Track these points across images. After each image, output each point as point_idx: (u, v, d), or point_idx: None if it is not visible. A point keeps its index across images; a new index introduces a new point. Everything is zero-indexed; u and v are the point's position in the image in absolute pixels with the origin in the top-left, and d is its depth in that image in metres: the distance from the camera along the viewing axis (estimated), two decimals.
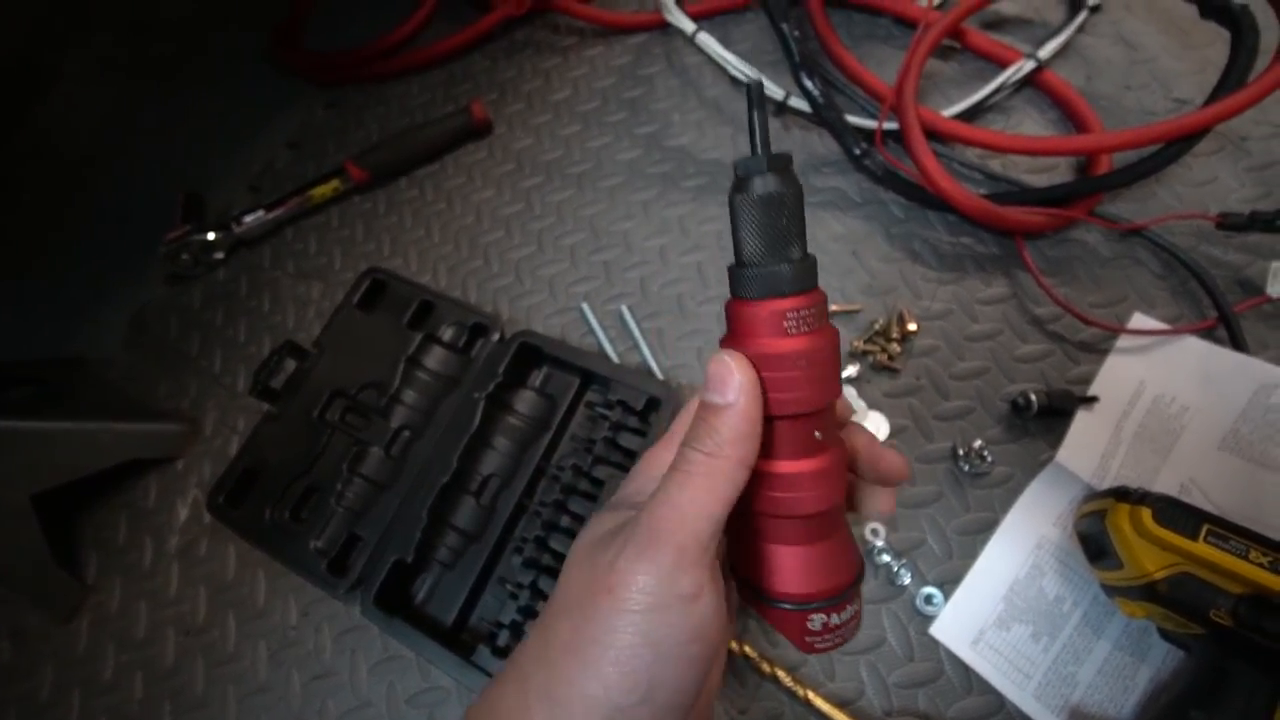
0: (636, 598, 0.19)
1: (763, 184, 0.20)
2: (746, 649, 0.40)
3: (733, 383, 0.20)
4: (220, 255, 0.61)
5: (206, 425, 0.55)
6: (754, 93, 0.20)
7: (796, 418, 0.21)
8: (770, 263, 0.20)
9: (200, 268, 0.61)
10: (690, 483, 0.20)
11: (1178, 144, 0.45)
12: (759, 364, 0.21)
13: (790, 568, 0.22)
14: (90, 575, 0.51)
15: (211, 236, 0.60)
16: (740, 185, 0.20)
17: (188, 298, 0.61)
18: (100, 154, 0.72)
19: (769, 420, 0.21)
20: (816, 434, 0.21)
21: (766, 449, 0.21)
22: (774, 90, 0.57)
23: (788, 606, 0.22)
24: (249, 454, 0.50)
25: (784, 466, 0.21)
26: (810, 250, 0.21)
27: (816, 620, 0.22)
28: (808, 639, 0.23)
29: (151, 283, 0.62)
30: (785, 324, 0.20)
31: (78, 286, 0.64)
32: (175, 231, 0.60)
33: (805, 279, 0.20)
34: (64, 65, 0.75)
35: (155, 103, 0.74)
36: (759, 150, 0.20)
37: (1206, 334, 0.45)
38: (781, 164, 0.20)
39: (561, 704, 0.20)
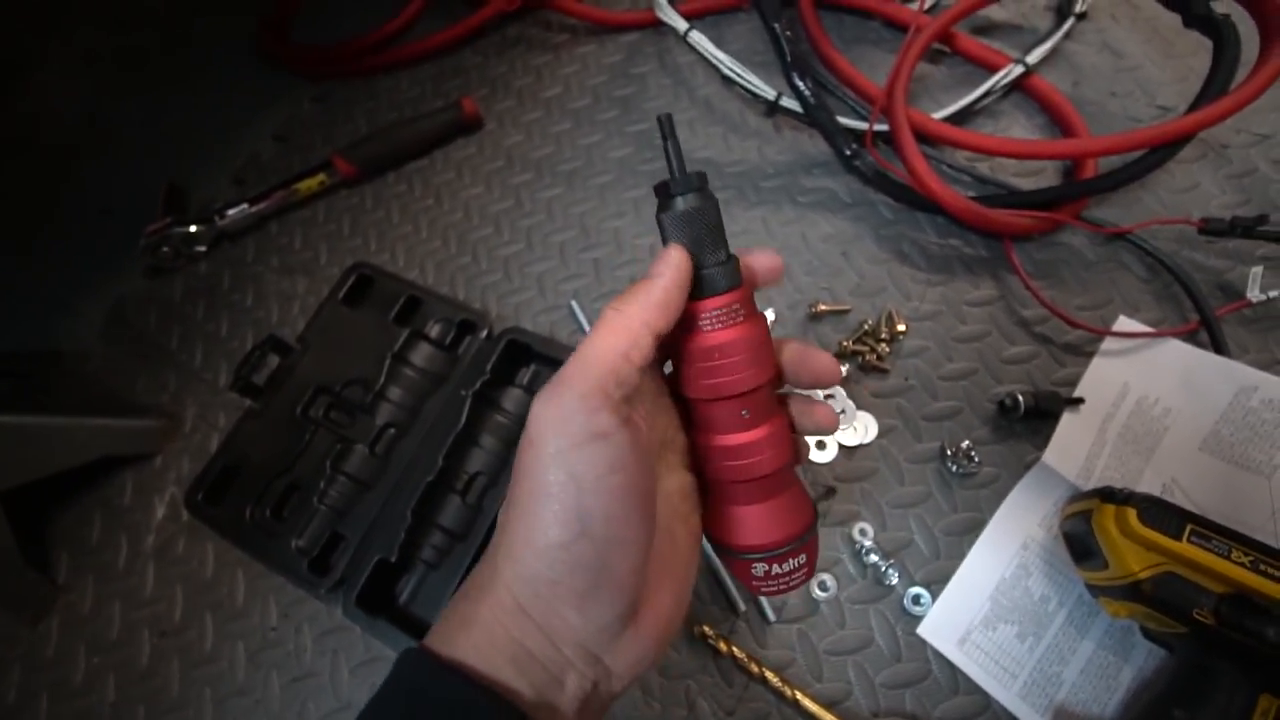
0: (551, 440, 0.22)
1: (682, 202, 0.23)
2: (734, 650, 0.40)
3: (664, 260, 0.23)
4: (202, 248, 0.60)
5: (186, 421, 0.54)
6: (665, 124, 0.24)
7: (726, 399, 0.24)
8: (705, 267, 0.24)
9: (181, 260, 0.60)
10: (596, 336, 0.23)
11: (1161, 150, 0.46)
12: (687, 358, 0.24)
13: (735, 523, 0.26)
14: (61, 575, 0.49)
15: (194, 229, 0.59)
16: (663, 205, 0.24)
17: (168, 291, 0.60)
18: (81, 145, 0.70)
19: (706, 402, 0.25)
20: (744, 412, 0.24)
21: (707, 425, 0.25)
22: (766, 90, 0.57)
23: (733, 555, 0.27)
24: (229, 451, 0.49)
25: (720, 440, 0.25)
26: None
27: (759, 568, 0.26)
28: (754, 583, 0.27)
29: (131, 275, 0.61)
30: (702, 323, 0.24)
31: (55, 278, 0.63)
32: (156, 224, 0.59)
33: (719, 283, 0.24)
34: (45, 54, 0.74)
35: (138, 93, 0.72)
36: (676, 174, 0.24)
37: (1189, 337, 0.45)
38: (696, 183, 0.24)
39: (517, 558, 0.22)
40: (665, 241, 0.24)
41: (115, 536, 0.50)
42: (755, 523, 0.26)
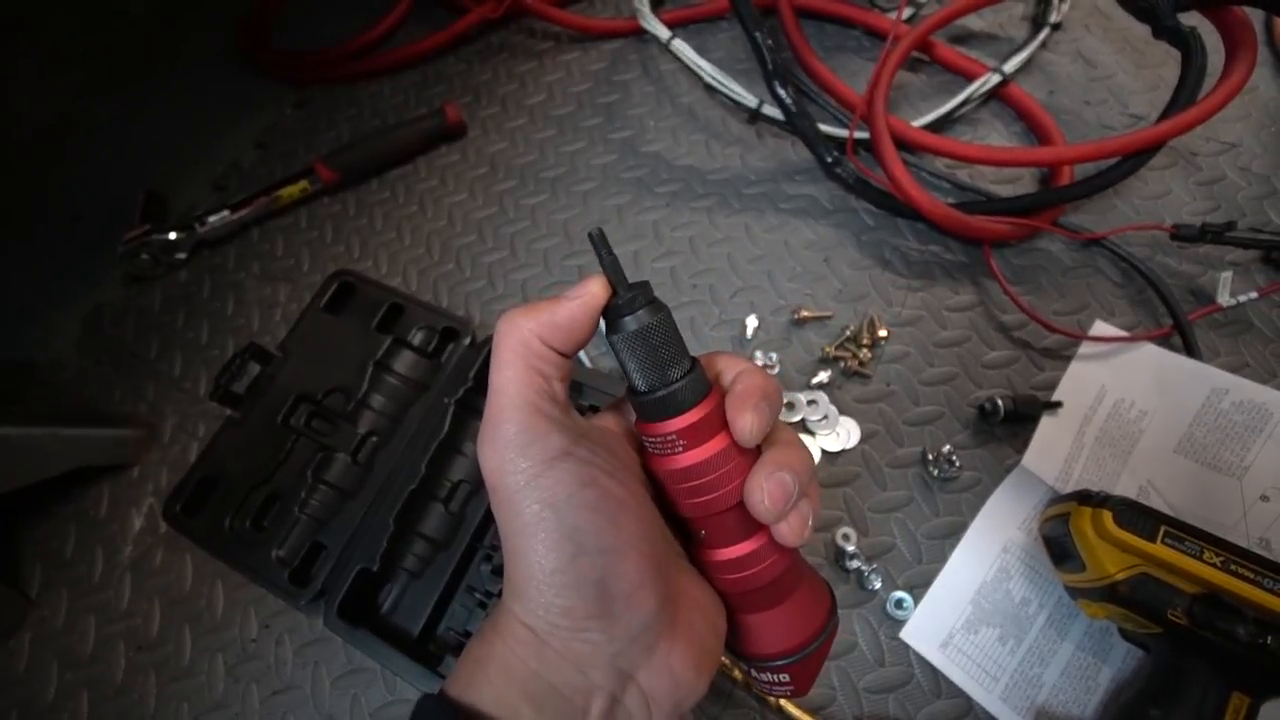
0: (512, 478, 0.21)
1: (633, 321, 0.22)
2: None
3: (577, 289, 0.22)
4: (182, 256, 0.59)
5: (165, 431, 0.53)
6: (595, 239, 0.22)
7: (713, 515, 0.23)
8: (655, 390, 0.22)
9: (161, 269, 0.59)
10: (503, 371, 0.22)
11: (1134, 158, 0.47)
12: (666, 479, 0.23)
13: (748, 632, 0.25)
14: (34, 588, 0.48)
15: (173, 236, 0.58)
16: (612, 327, 0.22)
17: (147, 299, 0.59)
18: (55, 150, 0.69)
19: (694, 520, 0.24)
20: (734, 525, 0.23)
21: (700, 540, 0.24)
22: (747, 98, 0.57)
23: (755, 664, 0.26)
24: (209, 461, 0.48)
25: (716, 555, 0.24)
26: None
27: (778, 675, 0.25)
28: (774, 688, 0.26)
29: (108, 283, 0.60)
30: (671, 446, 0.22)
31: (28, 286, 0.62)
32: (135, 231, 0.58)
33: (686, 399, 0.22)
34: (17, 57, 0.73)
35: (115, 98, 0.71)
36: (619, 291, 0.22)
37: (1163, 341, 0.46)
38: (642, 299, 0.22)
39: (523, 594, 0.21)
40: (621, 365, 0.22)
41: (90, 549, 0.49)
42: (761, 632, 0.25)
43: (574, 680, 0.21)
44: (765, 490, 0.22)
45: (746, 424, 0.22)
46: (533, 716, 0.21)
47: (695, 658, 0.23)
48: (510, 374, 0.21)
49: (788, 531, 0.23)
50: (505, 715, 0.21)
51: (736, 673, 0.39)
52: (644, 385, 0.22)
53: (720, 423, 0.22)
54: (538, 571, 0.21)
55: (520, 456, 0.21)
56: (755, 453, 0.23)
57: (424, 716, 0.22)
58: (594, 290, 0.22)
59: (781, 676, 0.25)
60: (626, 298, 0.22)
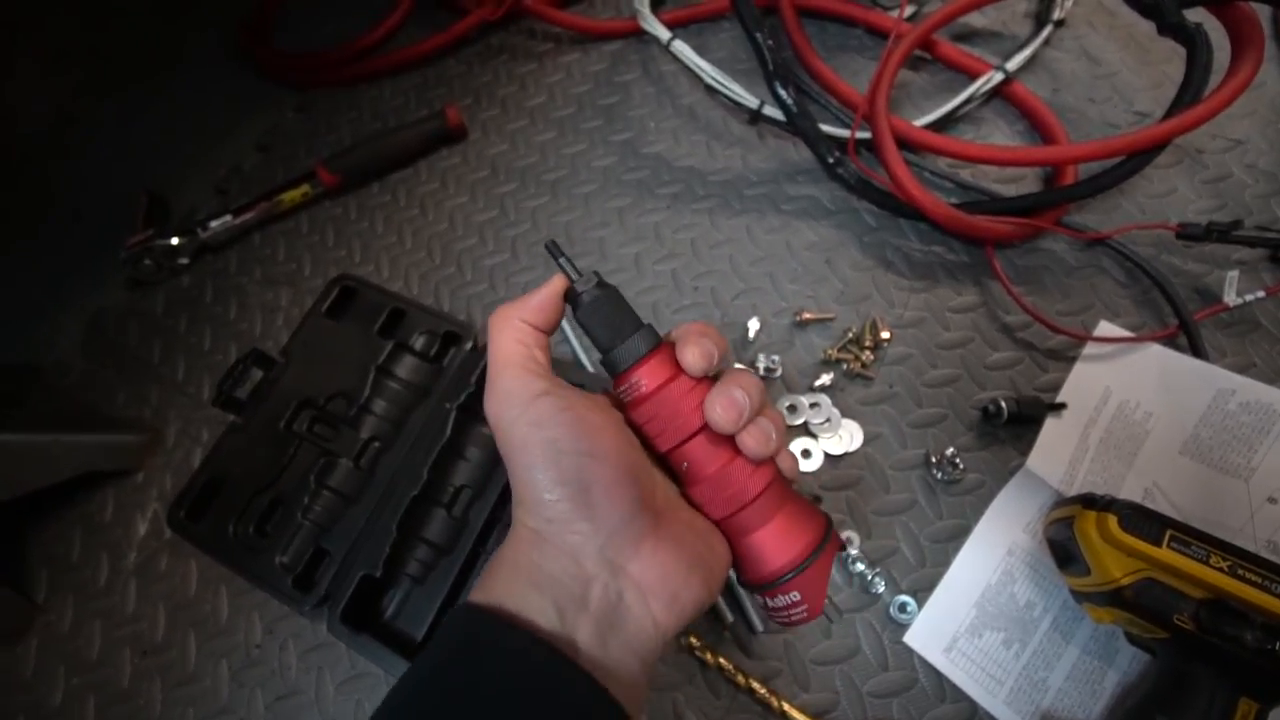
0: (505, 413, 0.26)
1: (587, 296, 0.27)
2: (721, 660, 0.40)
3: (543, 284, 0.28)
4: (185, 260, 0.60)
5: (168, 436, 0.53)
6: (551, 249, 0.28)
7: (676, 447, 0.27)
8: (614, 346, 0.27)
9: (163, 273, 0.59)
10: (491, 342, 0.28)
11: (1139, 157, 0.46)
12: (640, 422, 0.27)
13: (743, 556, 0.28)
14: (40, 594, 0.49)
15: (176, 241, 0.58)
16: (575, 306, 0.28)
17: (149, 303, 0.59)
18: (56, 148, 0.69)
19: (667, 454, 0.28)
20: (700, 452, 0.27)
21: (681, 476, 0.28)
22: (748, 99, 0.57)
23: (755, 590, 0.28)
24: (212, 466, 0.48)
25: (697, 481, 0.28)
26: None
27: (779, 599, 0.27)
28: (779, 617, 0.28)
29: (111, 287, 0.60)
30: (626, 393, 0.27)
31: (31, 290, 0.62)
32: (138, 235, 0.58)
33: (630, 355, 0.27)
34: (16, 55, 0.73)
35: (115, 97, 0.71)
36: (575, 277, 0.28)
37: (1168, 341, 0.46)
38: (594, 281, 0.28)
39: (522, 501, 0.26)
40: (588, 334, 0.28)
41: (96, 554, 0.50)
42: (757, 551, 0.27)
43: (570, 569, 0.25)
44: (718, 404, 0.26)
45: (689, 354, 0.27)
46: (538, 599, 0.24)
47: (687, 560, 0.26)
48: (500, 343, 0.27)
49: (751, 442, 0.26)
50: (514, 602, 0.24)
51: (740, 678, 0.39)
52: (607, 344, 0.27)
53: (673, 364, 0.27)
54: (528, 477, 0.25)
55: (510, 397, 0.26)
56: (710, 385, 0.27)
57: (450, 623, 0.26)
58: (556, 280, 0.28)
59: (792, 595, 0.27)
60: (581, 282, 0.28)
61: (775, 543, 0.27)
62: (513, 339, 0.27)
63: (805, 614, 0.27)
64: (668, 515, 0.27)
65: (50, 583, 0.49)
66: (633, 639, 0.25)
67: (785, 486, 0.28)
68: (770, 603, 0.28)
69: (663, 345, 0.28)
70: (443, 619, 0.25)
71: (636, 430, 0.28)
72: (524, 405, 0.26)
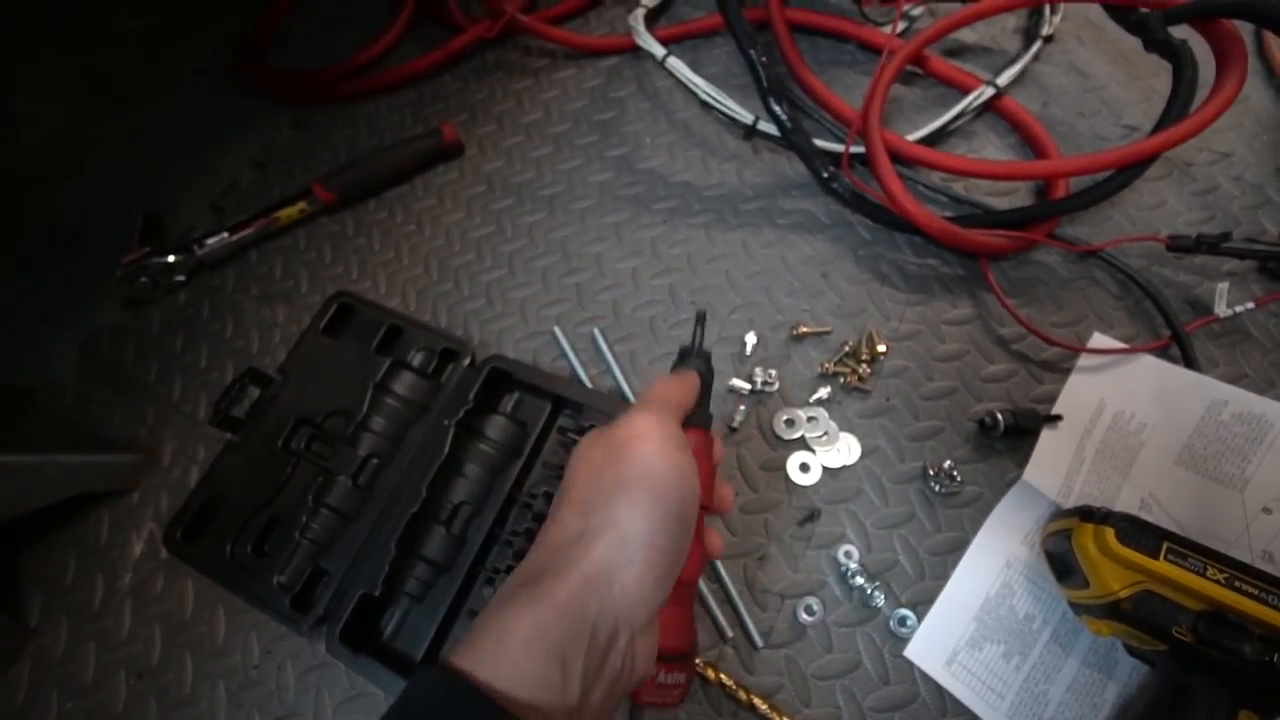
0: (658, 437, 0.29)
1: (692, 364, 0.35)
2: (722, 677, 0.40)
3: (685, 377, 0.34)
4: (181, 278, 0.59)
5: (164, 455, 0.53)
6: (700, 317, 0.36)
7: None
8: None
9: (160, 291, 0.59)
10: (662, 381, 0.33)
11: (1129, 170, 0.47)
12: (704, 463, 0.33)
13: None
14: (33, 617, 0.48)
15: (172, 259, 0.58)
16: (678, 366, 0.36)
17: (145, 322, 0.59)
18: (53, 171, 0.69)
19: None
20: None
21: None
22: (743, 114, 0.58)
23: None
24: (209, 485, 0.48)
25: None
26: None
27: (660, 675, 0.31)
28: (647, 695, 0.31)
29: (107, 306, 0.60)
30: (699, 445, 0.33)
31: (26, 310, 0.62)
32: (133, 254, 0.58)
33: (698, 421, 0.34)
34: (13, 79, 0.73)
35: (112, 119, 0.71)
36: (693, 351, 0.36)
37: (1161, 352, 0.46)
38: (704, 357, 0.36)
39: (620, 528, 0.27)
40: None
41: (90, 576, 0.49)
42: (680, 624, 0.32)
43: (602, 632, 0.26)
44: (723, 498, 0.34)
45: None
46: (556, 672, 0.24)
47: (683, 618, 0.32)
48: (671, 385, 0.33)
49: (714, 548, 0.33)
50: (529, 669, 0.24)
51: (741, 694, 0.39)
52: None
53: (704, 457, 0.33)
54: (652, 511, 0.27)
55: (669, 429, 0.29)
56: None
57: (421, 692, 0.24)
58: (693, 380, 0.34)
59: (679, 676, 0.31)
60: (694, 353, 0.35)
61: (688, 625, 0.32)
62: (688, 387, 0.33)
63: (679, 696, 0.31)
64: None
65: (43, 606, 0.49)
66: (616, 685, 0.26)
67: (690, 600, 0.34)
68: (663, 676, 0.31)
69: (707, 434, 0.34)
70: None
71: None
72: (676, 443, 0.29)
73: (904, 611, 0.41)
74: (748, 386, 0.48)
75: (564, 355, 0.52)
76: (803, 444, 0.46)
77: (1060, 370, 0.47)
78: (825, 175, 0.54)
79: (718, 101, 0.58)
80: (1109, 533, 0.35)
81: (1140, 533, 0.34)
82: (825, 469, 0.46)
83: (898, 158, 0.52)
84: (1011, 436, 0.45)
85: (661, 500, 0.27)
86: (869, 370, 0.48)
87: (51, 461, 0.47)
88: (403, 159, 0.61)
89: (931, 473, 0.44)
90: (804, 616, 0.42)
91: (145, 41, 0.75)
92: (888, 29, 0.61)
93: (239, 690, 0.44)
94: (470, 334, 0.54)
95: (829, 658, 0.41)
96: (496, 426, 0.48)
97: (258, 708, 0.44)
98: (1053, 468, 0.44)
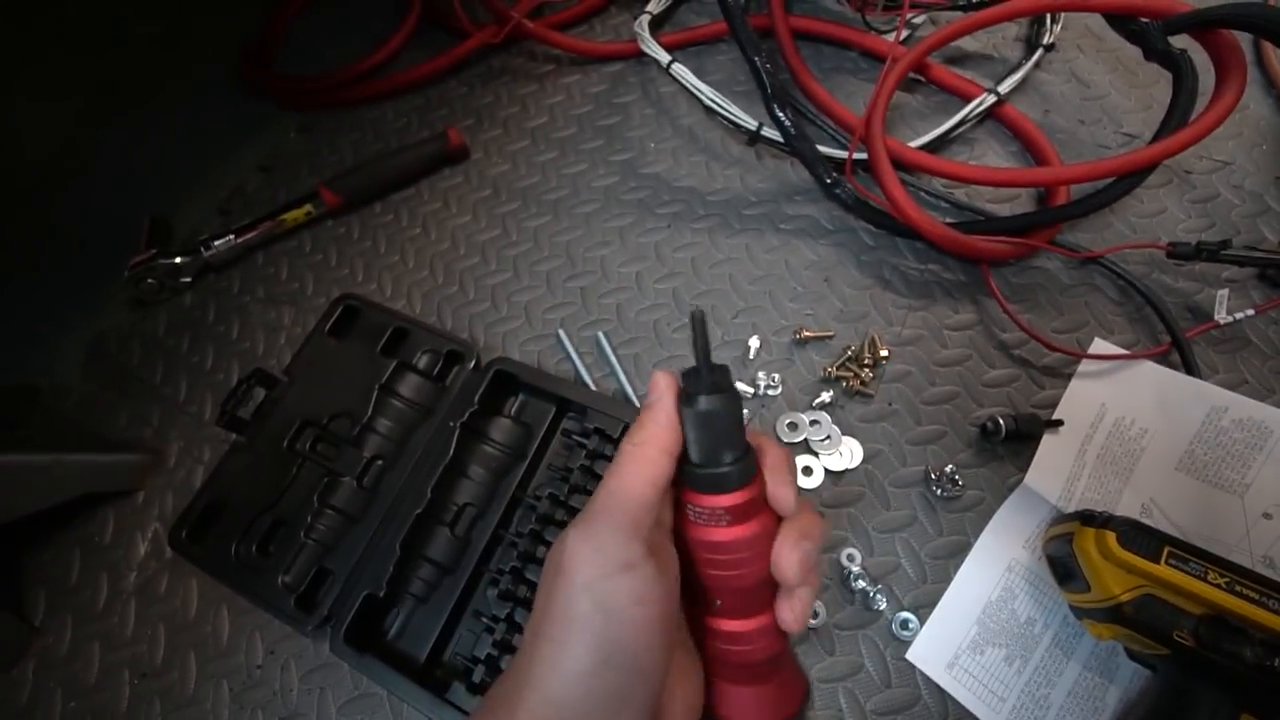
0: (584, 570, 0.23)
1: (705, 402, 0.24)
2: None
3: (657, 387, 0.25)
4: (187, 280, 0.60)
5: (169, 456, 0.53)
6: (696, 320, 0.25)
7: (727, 590, 0.26)
8: (711, 465, 0.25)
9: (166, 292, 0.60)
10: (621, 470, 0.24)
11: (1129, 178, 0.47)
12: (696, 545, 0.25)
13: (726, 698, 0.27)
14: (37, 616, 0.48)
15: (179, 261, 0.59)
16: (687, 400, 0.25)
17: (151, 323, 0.59)
18: (60, 175, 0.70)
19: (707, 588, 0.26)
20: (743, 603, 0.26)
21: (708, 607, 0.26)
22: (747, 120, 0.58)
23: None
24: (214, 486, 0.48)
25: (718, 624, 0.26)
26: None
27: None
28: None
29: (113, 308, 0.60)
30: (713, 518, 0.25)
31: (33, 311, 0.62)
32: (140, 256, 0.58)
33: (732, 480, 0.24)
34: (21, 83, 0.73)
35: (119, 123, 0.72)
36: (702, 372, 0.25)
37: (1162, 359, 0.47)
38: (720, 383, 0.25)
39: (544, 685, 0.23)
40: (686, 434, 0.25)
41: (95, 575, 0.49)
42: (744, 704, 0.27)
43: None
44: (794, 560, 0.24)
45: (782, 496, 0.25)
46: None
47: None
48: (630, 477, 0.24)
49: (790, 616, 0.25)
50: None
51: None
52: (700, 459, 0.25)
53: (762, 507, 0.25)
54: (569, 665, 0.22)
55: (600, 553, 0.23)
56: (775, 519, 0.26)
57: None
58: (668, 386, 0.25)
59: None
60: (707, 378, 0.24)
61: (760, 705, 0.27)
62: (644, 476, 0.24)
63: None
64: (670, 689, 0.26)
65: (48, 605, 0.49)
66: None
67: (790, 652, 0.28)
68: None
69: (757, 478, 0.25)
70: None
71: (686, 546, 0.26)
72: (604, 571, 0.23)
73: (906, 615, 0.41)
74: (751, 390, 0.49)
75: (568, 358, 0.52)
76: (805, 447, 0.47)
77: (1061, 376, 0.48)
78: (828, 181, 0.54)
79: (722, 107, 0.58)
80: (1110, 537, 0.35)
81: (1142, 537, 0.35)
82: (828, 472, 0.46)
83: (900, 164, 0.52)
84: (1013, 441, 0.45)
85: (586, 646, 0.22)
86: (871, 375, 0.48)
87: (59, 461, 0.48)
88: (408, 163, 0.62)
89: (933, 477, 0.45)
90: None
91: (152, 46, 0.76)
92: (890, 37, 0.62)
93: (242, 690, 0.44)
94: (475, 337, 0.54)
95: (831, 660, 0.41)
96: (501, 429, 0.48)
97: (261, 708, 0.44)
98: (1054, 473, 0.44)
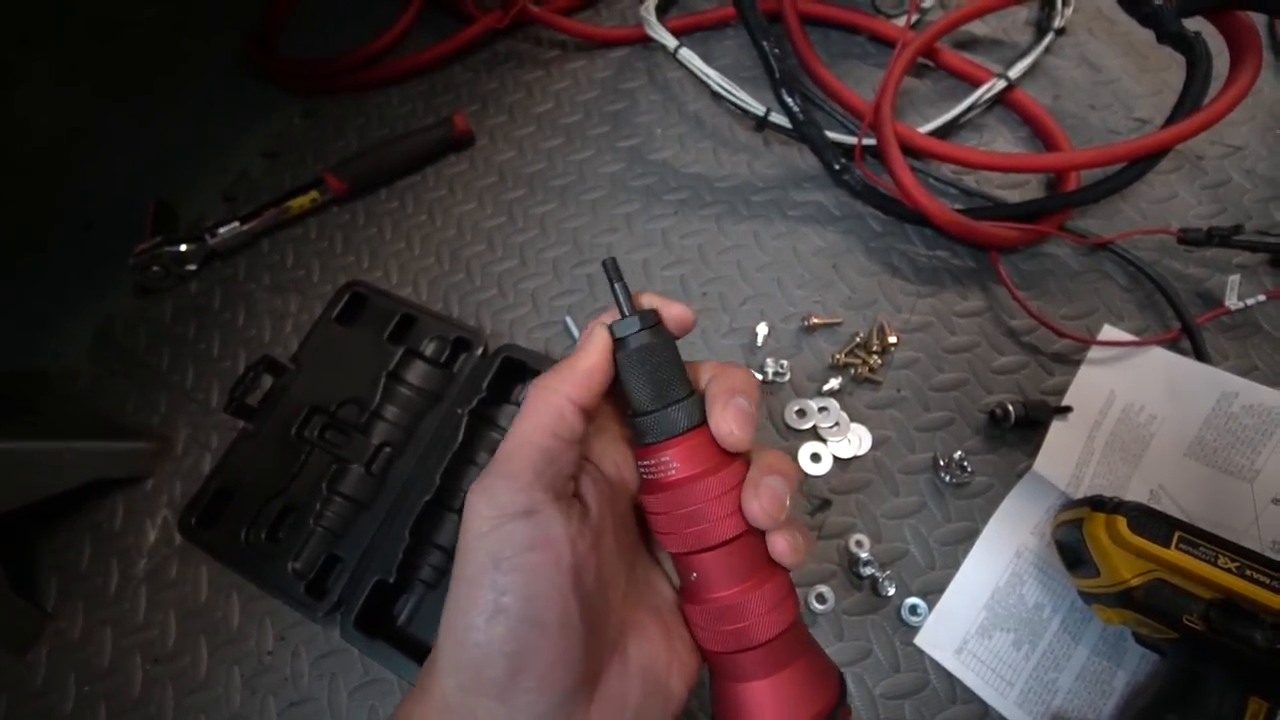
0: (476, 522, 0.21)
1: (634, 341, 0.23)
2: None
3: (587, 336, 0.24)
4: (193, 267, 0.60)
5: (178, 443, 0.53)
6: (609, 268, 0.24)
7: (702, 552, 0.22)
8: (650, 410, 0.23)
9: (171, 280, 0.59)
10: (523, 417, 0.23)
11: (1141, 163, 0.47)
12: (655, 508, 0.23)
13: (738, 706, 0.22)
14: (50, 602, 0.49)
15: (184, 248, 0.59)
16: (619, 346, 0.23)
17: (158, 310, 0.59)
18: (65, 159, 0.69)
19: (682, 556, 0.23)
20: (727, 566, 0.22)
21: (688, 586, 0.23)
22: (755, 105, 0.58)
23: None
24: (223, 472, 0.49)
25: (703, 601, 0.23)
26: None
27: None
28: None
29: (120, 294, 0.60)
30: (663, 469, 0.23)
31: (40, 297, 0.62)
32: (146, 243, 0.58)
33: (679, 422, 0.22)
34: (27, 66, 0.73)
35: (124, 108, 0.72)
36: (626, 312, 0.23)
37: (1171, 345, 0.46)
38: (649, 324, 0.23)
39: (445, 647, 0.22)
40: (624, 384, 0.23)
41: (106, 561, 0.49)
42: (758, 703, 0.22)
43: None
44: (759, 499, 0.22)
45: (724, 424, 0.22)
46: None
47: None
48: (527, 426, 0.22)
49: (784, 547, 0.22)
50: None
51: None
52: (642, 405, 0.23)
53: (715, 452, 0.23)
54: (459, 622, 0.21)
55: (493, 504, 0.21)
56: (744, 465, 0.23)
57: None
58: (599, 339, 0.23)
59: None
60: (630, 323, 0.23)
61: (777, 704, 0.22)
62: (543, 425, 0.22)
63: None
64: (613, 665, 0.23)
65: (60, 591, 0.49)
66: None
67: (804, 631, 0.24)
68: None
69: (703, 424, 0.23)
70: None
71: (646, 516, 0.24)
72: (496, 521, 0.21)
73: (914, 600, 0.41)
74: (759, 377, 0.49)
75: (575, 345, 0.52)
76: (814, 434, 0.47)
77: (1070, 362, 0.47)
78: (837, 167, 0.54)
79: (729, 93, 0.58)
80: (1121, 522, 0.35)
81: (1152, 522, 0.35)
82: (836, 459, 0.46)
83: (909, 150, 0.52)
84: (1022, 428, 0.45)
85: (479, 602, 0.21)
86: (880, 361, 0.48)
87: (69, 448, 0.48)
88: (414, 149, 0.61)
89: (942, 463, 0.45)
90: (815, 605, 0.42)
91: (157, 30, 0.75)
92: (900, 21, 0.61)
93: (254, 676, 0.45)
94: (482, 324, 0.54)
95: (840, 646, 0.41)
96: (509, 416, 0.48)
97: (272, 693, 0.44)
98: (1063, 459, 0.44)
